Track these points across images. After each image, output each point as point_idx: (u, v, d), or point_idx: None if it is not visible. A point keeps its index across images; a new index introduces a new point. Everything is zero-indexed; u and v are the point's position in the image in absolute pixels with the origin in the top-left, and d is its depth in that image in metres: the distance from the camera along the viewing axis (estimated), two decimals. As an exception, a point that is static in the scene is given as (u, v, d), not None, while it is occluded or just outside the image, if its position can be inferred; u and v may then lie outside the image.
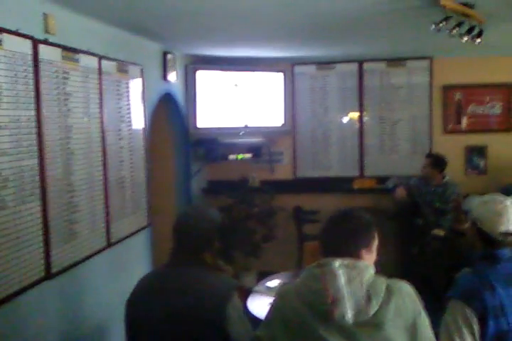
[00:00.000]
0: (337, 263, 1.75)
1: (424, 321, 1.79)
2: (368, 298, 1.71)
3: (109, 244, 3.57)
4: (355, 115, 5.99)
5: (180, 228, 2.21)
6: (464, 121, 5.90)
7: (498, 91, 5.79)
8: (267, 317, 1.92)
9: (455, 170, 5.58)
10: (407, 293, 1.80)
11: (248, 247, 5.37)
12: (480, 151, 5.90)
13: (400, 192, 5.23)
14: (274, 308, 1.88)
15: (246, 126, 5.60)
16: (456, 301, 2.05)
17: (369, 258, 1.86)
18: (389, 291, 1.75)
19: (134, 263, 4.06)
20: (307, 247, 3.82)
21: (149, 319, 2.10)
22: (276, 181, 5.96)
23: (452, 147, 5.81)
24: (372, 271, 1.79)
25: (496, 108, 5.83)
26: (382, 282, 1.78)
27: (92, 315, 3.38)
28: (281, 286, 2.19)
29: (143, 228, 4.19)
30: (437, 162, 5.14)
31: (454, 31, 3.02)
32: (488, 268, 2.11)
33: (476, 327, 1.98)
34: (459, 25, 3.01)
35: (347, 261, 1.77)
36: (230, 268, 2.39)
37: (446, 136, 5.92)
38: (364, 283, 1.72)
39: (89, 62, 3.29)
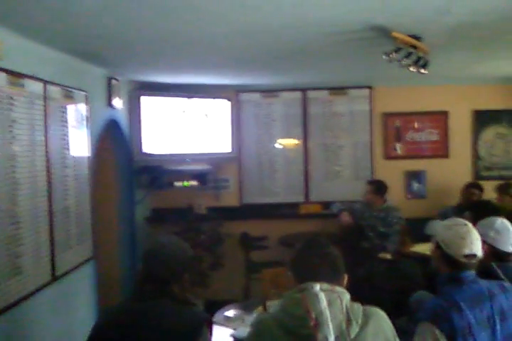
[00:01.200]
0: (317, 287, 1.76)
1: None
2: (349, 321, 1.72)
3: (55, 278, 3.39)
4: (299, 142, 6.07)
5: (153, 255, 2.10)
6: (401, 148, 6.10)
7: (435, 118, 6.04)
8: None
9: (396, 195, 5.73)
10: (382, 316, 1.84)
11: (195, 276, 5.24)
12: (419, 176, 6.09)
13: (345, 217, 5.31)
14: (251, 338, 1.82)
15: (192, 153, 5.54)
16: (424, 323, 2.07)
17: (343, 285, 1.87)
18: (365, 315, 1.77)
19: (79, 296, 3.86)
20: (267, 274, 3.76)
21: None
22: (223, 208, 5.90)
23: (392, 172, 5.98)
24: (348, 296, 1.80)
25: (433, 135, 6.07)
26: (359, 306, 1.80)
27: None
28: (256, 316, 2.11)
29: (88, 260, 4.00)
30: (378, 188, 5.27)
31: (404, 62, 3.13)
32: (454, 290, 2.15)
33: None
34: (408, 56, 3.12)
35: (325, 285, 1.78)
36: (199, 301, 2.30)
37: (386, 161, 6.09)
38: (344, 307, 1.74)
39: (34, 87, 3.16)
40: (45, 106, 3.28)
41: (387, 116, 6.03)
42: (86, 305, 3.98)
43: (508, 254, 2.53)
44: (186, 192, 5.73)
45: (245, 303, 3.79)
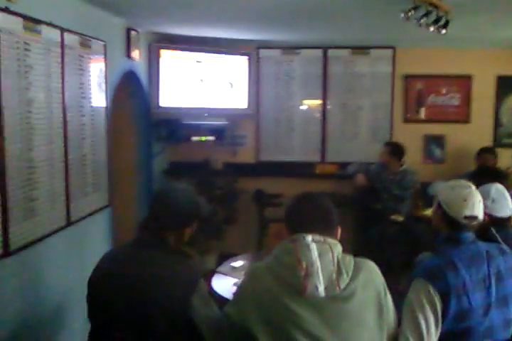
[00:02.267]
0: (309, 237, 1.81)
1: (389, 298, 1.87)
2: (339, 272, 1.78)
3: (69, 223, 3.50)
4: (318, 101, 6.03)
5: (160, 198, 2.13)
6: (423, 111, 6.02)
7: (458, 82, 5.92)
8: (236, 294, 1.94)
9: (413, 159, 5.71)
10: (373, 269, 1.89)
11: (209, 229, 5.36)
12: (438, 140, 6.03)
13: (360, 178, 5.33)
14: (244, 285, 1.90)
15: (209, 108, 5.56)
16: (419, 280, 2.11)
17: (336, 237, 1.92)
18: (357, 267, 1.83)
19: (93, 242, 4.00)
20: (273, 228, 3.84)
21: (109, 303, 2.02)
22: (239, 164, 5.96)
23: (411, 136, 5.93)
24: (340, 248, 1.85)
25: (455, 99, 5.97)
26: (351, 258, 1.85)
27: (50, 295, 3.31)
28: (251, 264, 2.18)
29: (103, 208, 4.12)
30: (395, 150, 5.25)
31: (422, 21, 3.06)
32: (451, 250, 2.18)
33: (439, 305, 2.04)
34: (427, 14, 3.05)
35: (317, 237, 1.83)
36: (196, 254, 2.35)
37: (405, 124, 6.03)
38: (335, 258, 1.79)
39: (51, 34, 3.17)
40: (62, 53, 3.31)
41: (409, 78, 5.92)
42: (100, 251, 4.10)
43: (506, 219, 2.54)
44: (203, 147, 5.79)
45: (253, 255, 3.90)
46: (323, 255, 1.78)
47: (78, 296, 3.61)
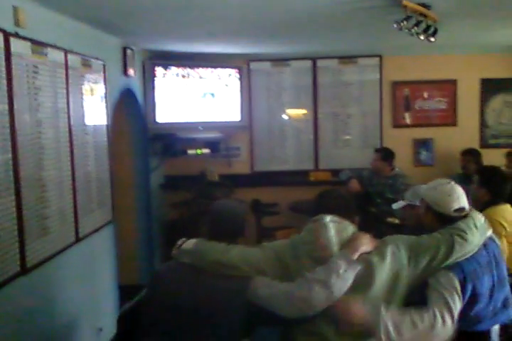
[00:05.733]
0: (328, 218, 2.15)
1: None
2: None
3: (78, 239, 3.57)
4: (309, 111, 6.16)
5: (220, 214, 2.37)
6: (410, 116, 6.19)
7: (443, 87, 6.12)
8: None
9: (404, 162, 5.86)
10: None
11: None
12: (427, 144, 6.20)
13: (353, 184, 5.43)
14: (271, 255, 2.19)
15: (203, 122, 5.67)
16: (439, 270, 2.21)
17: (353, 223, 2.26)
18: None
19: (101, 257, 4.07)
20: (279, 235, 3.94)
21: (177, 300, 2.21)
22: (234, 175, 6.05)
23: (401, 140, 6.09)
24: (355, 228, 2.19)
25: (442, 103, 6.15)
26: None
27: (63, 311, 3.37)
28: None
29: (107, 223, 4.18)
30: (386, 155, 5.39)
31: (413, 30, 3.21)
32: None
33: (459, 288, 2.15)
34: (418, 24, 3.19)
35: (335, 218, 2.16)
36: None
37: (395, 129, 6.19)
38: (349, 235, 2.14)
39: (56, 56, 3.27)
40: (66, 74, 3.40)
41: (397, 84, 6.10)
42: (107, 264, 4.19)
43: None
44: (199, 160, 5.88)
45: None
46: (339, 233, 2.12)
47: (89, 311, 3.71)
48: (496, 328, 2.35)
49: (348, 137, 6.20)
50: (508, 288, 2.38)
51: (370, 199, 5.40)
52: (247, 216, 2.49)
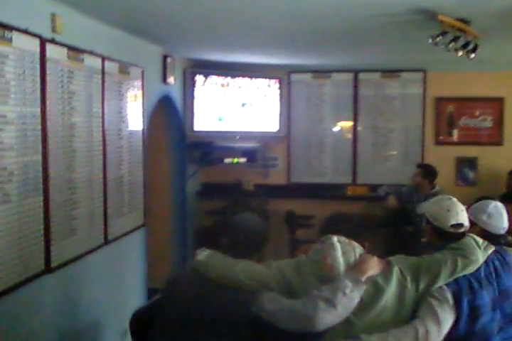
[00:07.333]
0: (335, 238, 2.14)
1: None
2: None
3: (106, 242, 3.63)
4: (349, 124, 6.10)
5: (238, 228, 2.37)
6: (456, 133, 6.03)
7: (489, 105, 5.94)
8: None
9: (446, 181, 5.69)
10: None
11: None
12: (470, 163, 6.02)
13: (392, 200, 5.33)
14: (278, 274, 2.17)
15: (241, 131, 5.70)
16: None
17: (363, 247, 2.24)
18: None
19: (129, 261, 4.12)
20: (302, 248, 3.89)
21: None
22: (270, 186, 6.04)
23: (443, 158, 5.92)
24: (363, 250, 2.18)
25: (487, 121, 5.97)
26: None
27: (87, 311, 3.44)
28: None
29: (138, 227, 4.24)
30: (428, 172, 5.25)
31: (450, 45, 3.13)
32: None
33: (451, 301, 2.15)
34: (455, 39, 3.12)
35: (343, 238, 2.15)
36: None
37: (437, 146, 6.04)
38: (357, 256, 2.13)
39: (93, 62, 3.36)
40: (102, 80, 3.49)
41: (441, 100, 5.96)
42: (135, 268, 4.25)
43: (498, 236, 2.59)
44: (235, 169, 5.91)
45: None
46: (346, 253, 2.11)
47: (114, 313, 3.76)
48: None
49: (388, 152, 6.09)
50: None
51: (408, 217, 5.27)
52: (267, 233, 2.46)
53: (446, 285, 2.17)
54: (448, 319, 2.11)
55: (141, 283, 4.37)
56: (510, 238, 2.71)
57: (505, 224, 2.64)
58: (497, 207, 2.65)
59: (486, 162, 5.97)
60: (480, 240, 2.33)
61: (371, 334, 2.02)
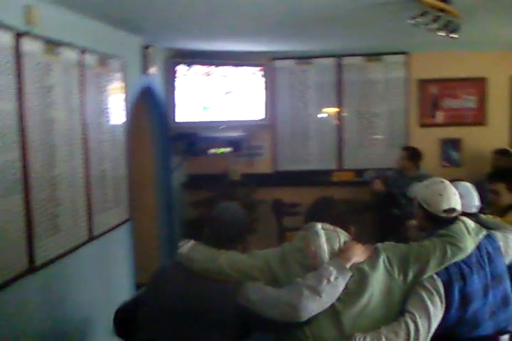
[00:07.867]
0: (319, 225, 2.11)
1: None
2: None
3: (92, 238, 3.58)
4: (334, 109, 6.07)
5: (219, 218, 2.32)
6: (440, 115, 6.02)
7: (473, 85, 5.92)
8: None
9: (431, 163, 5.71)
10: None
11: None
12: (455, 144, 6.02)
13: (378, 185, 5.33)
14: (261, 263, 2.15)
15: (226, 121, 5.64)
16: None
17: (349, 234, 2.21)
18: None
19: (116, 256, 4.07)
20: (291, 236, 3.88)
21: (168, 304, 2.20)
22: (256, 174, 6.00)
23: (428, 140, 5.93)
24: (347, 236, 2.16)
25: (471, 102, 5.96)
26: None
27: (75, 309, 3.39)
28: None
29: (124, 222, 4.19)
30: (413, 155, 5.27)
31: (431, 26, 3.09)
32: None
33: (441, 290, 2.10)
34: (436, 20, 3.08)
35: (327, 225, 2.11)
36: None
37: (422, 129, 6.03)
38: (342, 243, 2.09)
39: (70, 55, 3.28)
40: (81, 73, 3.41)
41: (424, 82, 5.94)
42: (123, 263, 4.20)
43: (470, 215, 2.56)
44: (221, 159, 5.85)
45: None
46: (330, 240, 2.07)
47: (102, 310, 3.71)
48: (505, 338, 2.26)
49: (373, 136, 6.07)
50: (506, 285, 2.33)
51: (394, 201, 5.28)
52: (249, 223, 2.47)
53: (437, 274, 2.12)
54: (438, 314, 2.07)
55: (129, 277, 4.31)
56: (482, 216, 2.69)
57: (477, 202, 2.65)
58: (465, 186, 2.64)
59: (470, 142, 5.98)
60: (471, 225, 2.29)
61: (364, 335, 1.95)
